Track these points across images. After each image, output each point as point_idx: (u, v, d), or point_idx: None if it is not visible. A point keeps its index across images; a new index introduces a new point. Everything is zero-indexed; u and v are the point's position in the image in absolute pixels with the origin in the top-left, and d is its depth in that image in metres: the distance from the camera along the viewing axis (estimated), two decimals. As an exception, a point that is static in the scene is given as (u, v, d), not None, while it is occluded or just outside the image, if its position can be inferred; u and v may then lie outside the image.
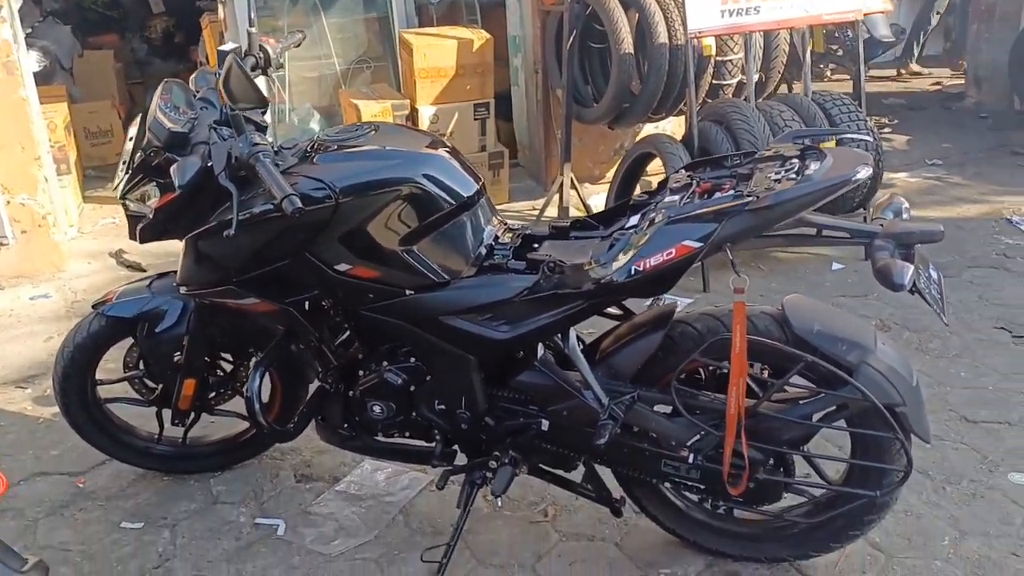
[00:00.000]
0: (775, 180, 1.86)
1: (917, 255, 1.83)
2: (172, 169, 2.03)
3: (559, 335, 2.16)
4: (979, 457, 2.69)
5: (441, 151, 2.18)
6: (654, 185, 4.44)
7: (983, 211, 4.83)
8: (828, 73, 6.86)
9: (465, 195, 2.12)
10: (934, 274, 1.92)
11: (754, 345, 1.94)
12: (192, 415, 2.64)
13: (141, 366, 2.59)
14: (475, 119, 4.90)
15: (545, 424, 2.19)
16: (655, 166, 4.41)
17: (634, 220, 2.09)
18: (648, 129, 5.18)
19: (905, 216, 1.93)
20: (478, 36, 4.86)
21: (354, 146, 2.13)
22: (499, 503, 2.27)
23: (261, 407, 2.30)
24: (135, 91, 8.48)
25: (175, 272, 2.48)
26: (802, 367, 1.92)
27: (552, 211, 4.85)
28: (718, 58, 4.33)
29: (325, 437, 2.48)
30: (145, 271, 4.37)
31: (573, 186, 4.76)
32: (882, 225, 1.87)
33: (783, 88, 5.20)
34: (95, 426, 2.65)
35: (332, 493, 2.68)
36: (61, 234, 4.47)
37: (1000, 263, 4.14)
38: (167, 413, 2.63)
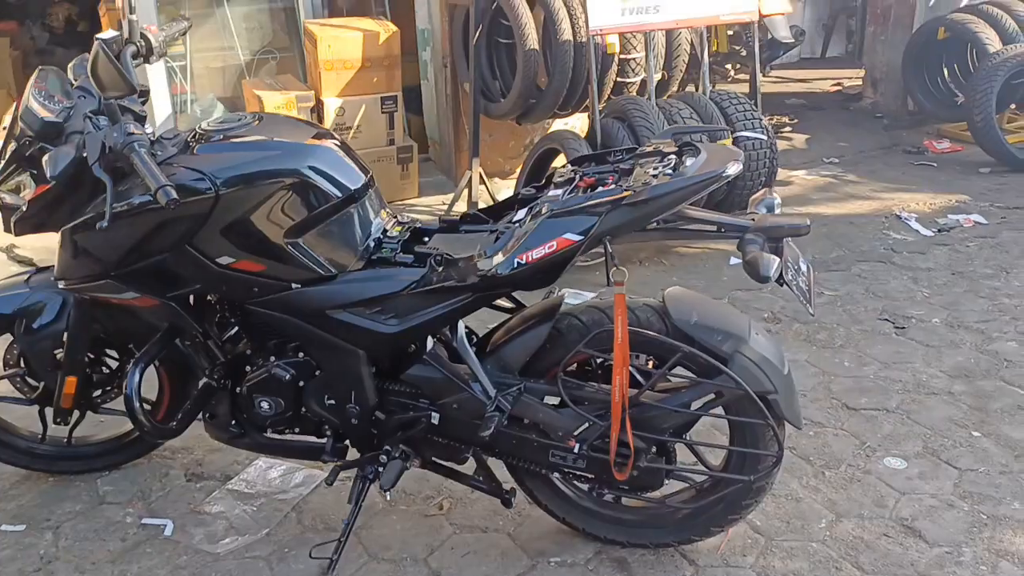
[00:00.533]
0: (652, 175, 1.91)
1: (787, 248, 1.91)
2: (44, 159, 1.97)
3: (448, 328, 2.17)
4: (857, 443, 2.81)
5: (328, 142, 2.16)
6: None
7: (874, 207, 5.05)
8: (732, 73, 7.05)
9: (352, 187, 2.11)
10: (803, 267, 2.01)
11: (636, 336, 1.99)
12: (76, 414, 2.56)
13: (22, 364, 2.50)
14: (383, 112, 4.87)
15: (436, 417, 2.20)
16: (560, 162, 4.47)
17: (521, 214, 2.11)
18: (556, 125, 5.25)
19: (776, 211, 2.01)
20: (385, 28, 4.83)
21: (237, 136, 2.10)
22: (388, 497, 2.27)
23: (141, 405, 2.24)
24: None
25: (54, 266, 2.41)
26: (680, 357, 1.98)
27: (461, 206, 4.85)
28: (622, 56, 4.41)
29: (214, 435, 2.43)
30: (37, 267, 4.20)
31: (482, 181, 4.78)
32: (753, 219, 1.93)
33: (690, 87, 5.32)
34: (-27, 427, 2.54)
35: (223, 491, 2.64)
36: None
37: (887, 257, 4.34)
38: (50, 412, 2.54)
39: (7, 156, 2.10)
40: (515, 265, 1.93)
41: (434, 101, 5.41)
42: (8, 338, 2.48)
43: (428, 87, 5.43)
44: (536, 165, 4.42)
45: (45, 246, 4.48)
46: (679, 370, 2.05)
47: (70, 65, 2.30)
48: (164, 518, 2.51)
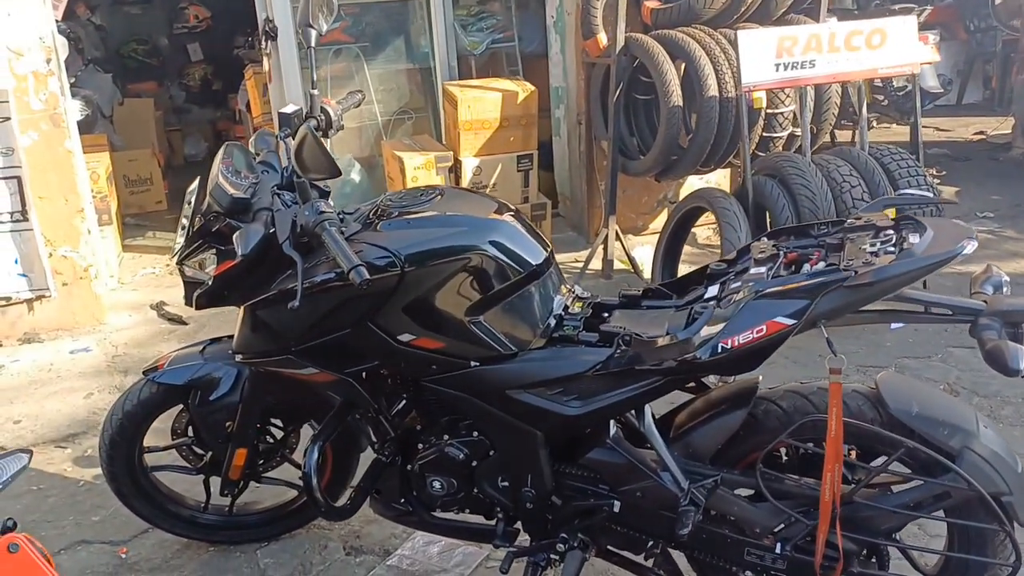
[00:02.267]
0: (871, 253, 1.75)
1: (1025, 334, 1.71)
2: (235, 236, 1.96)
3: (632, 411, 2.05)
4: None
5: (507, 217, 2.09)
6: (699, 238, 4.33)
7: (1043, 266, 4.68)
8: (874, 123, 6.77)
9: (533, 263, 2.03)
10: None
11: (848, 427, 1.81)
12: (240, 484, 2.54)
13: (190, 433, 2.51)
14: (518, 171, 4.85)
15: (617, 505, 2.06)
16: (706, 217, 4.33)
17: (713, 291, 1.98)
18: (692, 181, 5.11)
19: (1006, 290, 1.81)
20: (523, 88, 4.82)
21: (419, 212, 2.05)
22: None
23: (319, 483, 2.19)
24: (173, 138, 8.59)
25: (228, 337, 2.41)
26: (902, 453, 1.80)
27: (596, 263, 4.76)
28: (769, 111, 4.25)
29: (380, 511, 2.37)
30: (187, 324, 4.32)
31: (618, 238, 4.67)
32: (985, 301, 1.75)
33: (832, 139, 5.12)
34: (140, 494, 2.56)
35: (383, 568, 2.57)
36: (102, 286, 4.43)
37: (1067, 323, 3.97)
38: (214, 481, 2.54)
39: (194, 231, 2.12)
40: (719, 350, 1.79)
41: (566, 158, 5.36)
42: (177, 407, 2.50)
43: (560, 144, 5.39)
44: (679, 223, 4.28)
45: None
46: (895, 466, 1.86)
47: (251, 139, 2.33)
48: (326, 595, 2.45)
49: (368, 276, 1.78)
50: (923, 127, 7.77)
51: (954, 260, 1.69)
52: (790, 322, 1.74)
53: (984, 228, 5.36)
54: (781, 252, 1.92)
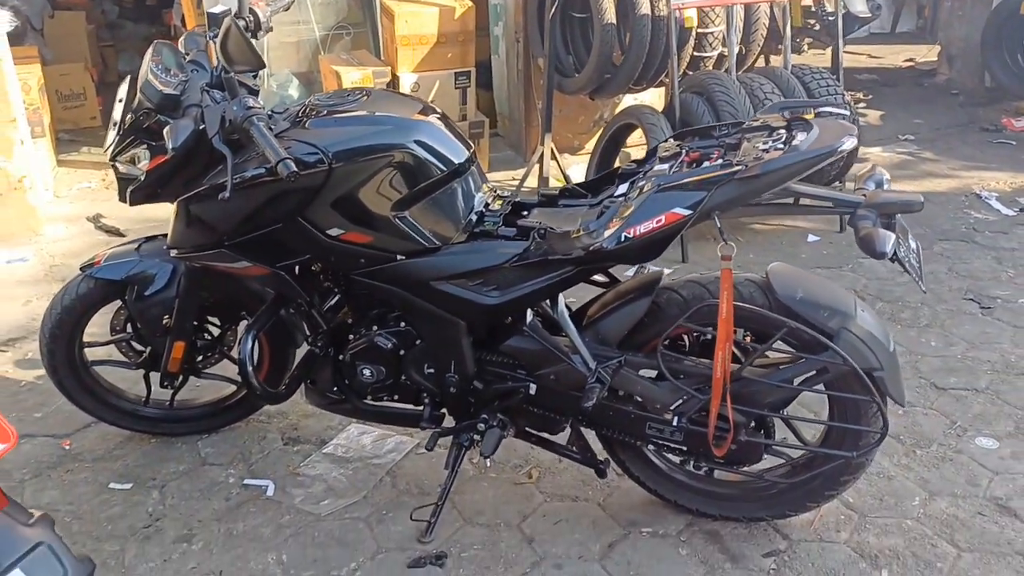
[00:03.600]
0: (763, 150, 1.91)
1: (897, 225, 1.89)
2: (165, 131, 2.03)
3: (547, 301, 2.20)
4: (948, 423, 2.79)
5: (432, 117, 2.20)
6: (632, 156, 4.46)
7: (953, 186, 4.94)
8: (805, 47, 6.90)
9: (456, 162, 2.15)
10: (912, 244, 1.99)
11: (739, 311, 2.00)
12: (180, 378, 2.66)
13: (129, 329, 2.60)
14: (456, 87, 4.90)
15: (533, 388, 2.24)
16: (634, 137, 4.46)
17: (623, 188, 2.13)
18: (627, 100, 5.22)
19: (886, 187, 1.99)
20: (460, 4, 4.84)
21: (347, 111, 2.14)
22: (488, 463, 2.32)
23: (254, 370, 2.32)
24: (107, 54, 8.35)
25: (163, 235, 2.49)
26: (785, 332, 1.99)
27: (532, 181, 4.87)
28: (699, 30, 4.36)
29: (314, 401, 2.51)
30: (124, 235, 4.34)
31: (553, 156, 4.78)
32: (864, 195, 1.92)
33: (761, 62, 5.25)
34: (82, 388, 2.65)
35: (320, 455, 2.72)
36: (37, 198, 4.41)
37: (969, 236, 4.25)
38: (155, 376, 2.64)
39: (126, 128, 2.18)
40: (622, 239, 1.95)
41: (504, 76, 5.41)
42: (115, 304, 2.58)
43: (499, 62, 5.43)
44: (611, 140, 4.41)
45: (127, 215, 4.62)
46: (779, 345, 2.05)
47: (181, 39, 2.38)
48: (265, 479, 2.60)
49: (295, 169, 1.88)
50: (856, 54, 8.00)
51: (834, 155, 1.85)
52: (687, 212, 1.90)
53: (905, 150, 5.61)
54: (684, 151, 2.07)
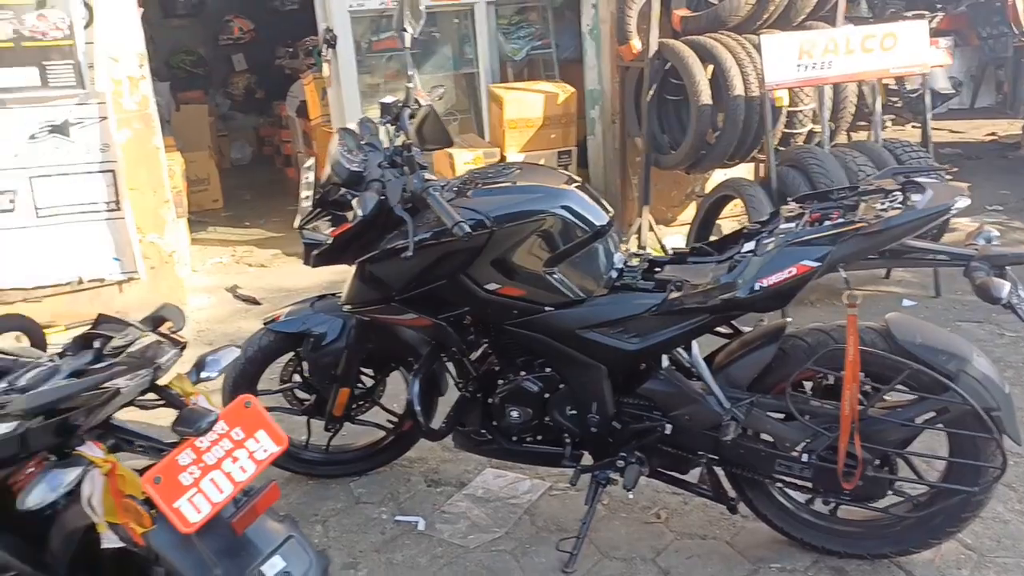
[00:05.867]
0: (882, 209, 2.15)
1: (1008, 275, 2.10)
2: (354, 202, 2.38)
3: (680, 347, 2.45)
4: (1060, 472, 2.89)
5: (574, 187, 2.51)
6: (723, 230, 4.70)
7: (1046, 252, 5.03)
8: (888, 124, 7.14)
9: (599, 224, 2.44)
10: (1022, 293, 2.18)
11: (863, 355, 2.20)
12: (339, 424, 2.96)
13: (295, 379, 2.93)
14: (559, 165, 5.26)
15: (668, 428, 2.46)
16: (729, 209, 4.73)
17: (749, 246, 2.38)
18: (717, 175, 5.51)
19: (995, 243, 2.20)
20: (563, 89, 5.25)
21: (502, 182, 2.47)
22: (630, 496, 2.52)
23: (423, 408, 2.61)
24: (221, 143, 9.06)
25: (331, 294, 2.85)
26: (908, 374, 2.18)
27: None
28: (790, 108, 4.65)
29: (461, 443, 2.77)
30: (259, 303, 4.75)
31: (651, 227, 5.07)
32: (976, 249, 2.14)
33: (843, 137, 5.49)
34: (252, 432, 2.97)
35: (461, 496, 2.97)
36: (182, 271, 4.88)
37: (1067, 300, 4.34)
38: (315, 423, 2.95)
39: (316, 200, 2.54)
40: (755, 289, 2.19)
41: (600, 155, 5.77)
42: (284, 357, 2.92)
43: (595, 142, 5.80)
44: (709, 211, 4.68)
45: (260, 286, 5.06)
46: (897, 387, 2.24)
47: (354, 125, 2.75)
48: (415, 516, 2.86)
49: (468, 230, 2.20)
50: (938, 129, 8.18)
51: (949, 212, 2.08)
52: (815, 264, 2.14)
53: (993, 220, 5.72)
54: (807, 212, 2.32)
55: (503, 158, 5.18)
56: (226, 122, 9.88)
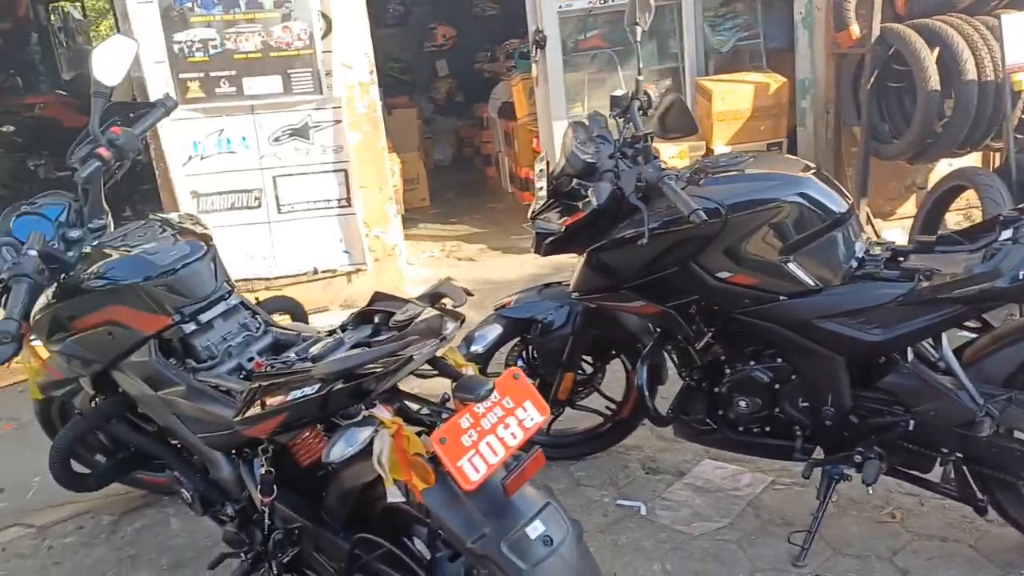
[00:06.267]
0: None
1: None
2: (590, 191, 2.47)
3: (928, 340, 2.35)
4: None
5: (811, 174, 2.46)
6: (948, 223, 4.41)
7: None
8: None
9: (838, 212, 2.39)
10: None
11: None
12: (561, 408, 3.06)
13: (519, 364, 3.06)
14: (768, 158, 5.14)
15: (911, 424, 2.36)
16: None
17: (1007, 234, 2.25)
18: (941, 166, 5.17)
19: None
20: (774, 80, 5.12)
21: (736, 170, 2.47)
22: (870, 491, 2.44)
23: (650, 392, 2.66)
24: (425, 145, 9.53)
25: (557, 282, 2.96)
26: None
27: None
28: (1029, 92, 4.29)
29: (683, 432, 2.79)
30: (472, 295, 4.97)
31: (868, 220, 4.85)
32: None
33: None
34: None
35: (680, 484, 2.99)
36: (402, 263, 5.20)
37: None
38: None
39: (550, 191, 2.65)
40: (1018, 278, 2.07)
41: (811, 146, 5.57)
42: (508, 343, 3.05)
43: (805, 133, 5.61)
44: (937, 202, 4.42)
45: (472, 279, 5.29)
46: None
47: (584, 119, 2.84)
48: (636, 501, 2.91)
49: (706, 217, 2.23)
50: None
51: None
52: (1088, 252, 1.99)
53: None
54: (1076, 196, 2.16)
55: (709, 151, 5.12)
56: (429, 125, 10.35)
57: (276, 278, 4.92)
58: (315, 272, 4.92)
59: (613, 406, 3.13)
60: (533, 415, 1.72)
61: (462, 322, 1.73)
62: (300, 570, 2.15)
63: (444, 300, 1.81)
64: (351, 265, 4.95)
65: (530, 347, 3.00)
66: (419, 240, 6.49)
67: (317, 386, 1.66)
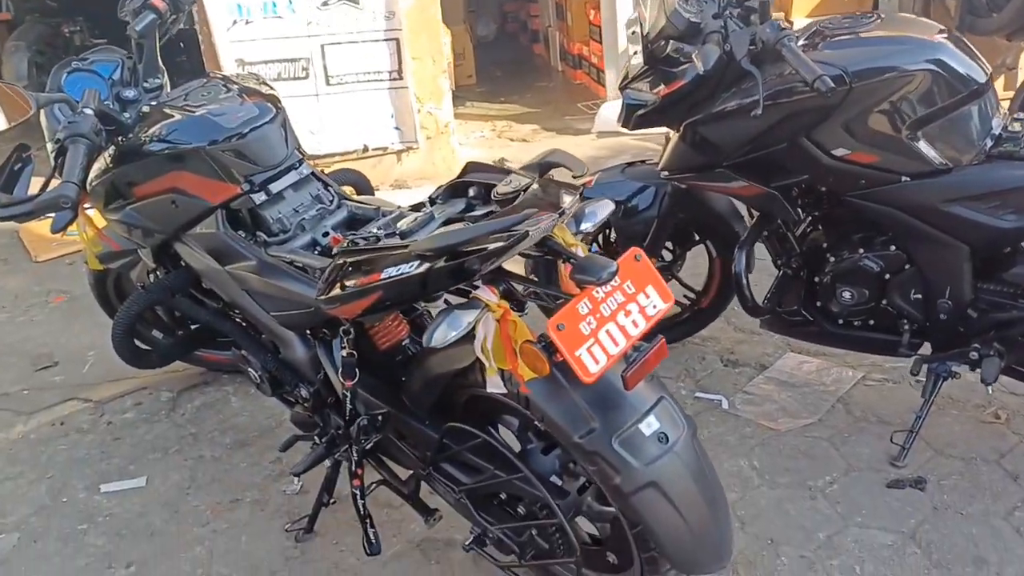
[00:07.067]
0: None
1: None
2: (694, 55, 2.19)
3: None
4: None
5: (948, 39, 2.17)
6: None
7: None
8: None
9: (976, 82, 2.11)
10: None
11: None
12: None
13: (593, 248, 2.86)
14: (851, 33, 4.75)
15: (1039, 319, 2.16)
16: None
17: None
18: (1038, 45, 4.77)
19: None
20: (864, -55, 4.68)
21: (862, 32, 2.18)
22: (990, 390, 2.27)
23: (747, 282, 2.46)
24: (469, 19, 9.09)
25: (640, 161, 2.72)
26: None
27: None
28: None
29: (773, 325, 2.60)
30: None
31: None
32: None
33: None
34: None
35: (763, 378, 2.83)
36: (455, 141, 4.96)
37: None
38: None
39: (645, 57, 2.38)
40: None
41: (895, 22, 5.16)
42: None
43: (890, 6, 5.19)
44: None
45: (524, 160, 5.03)
46: None
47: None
48: (716, 394, 2.76)
49: (832, 85, 1.96)
50: None
51: None
52: None
53: None
54: None
55: (789, 23, 4.73)
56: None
57: (323, 156, 4.70)
58: (365, 150, 4.70)
59: (692, 295, 2.95)
60: (656, 302, 1.55)
61: (582, 193, 1.52)
62: (377, 456, 2.04)
63: (555, 169, 1.59)
64: (402, 143, 4.72)
65: (608, 229, 2.80)
66: (468, 120, 6.21)
67: (416, 263, 1.48)
